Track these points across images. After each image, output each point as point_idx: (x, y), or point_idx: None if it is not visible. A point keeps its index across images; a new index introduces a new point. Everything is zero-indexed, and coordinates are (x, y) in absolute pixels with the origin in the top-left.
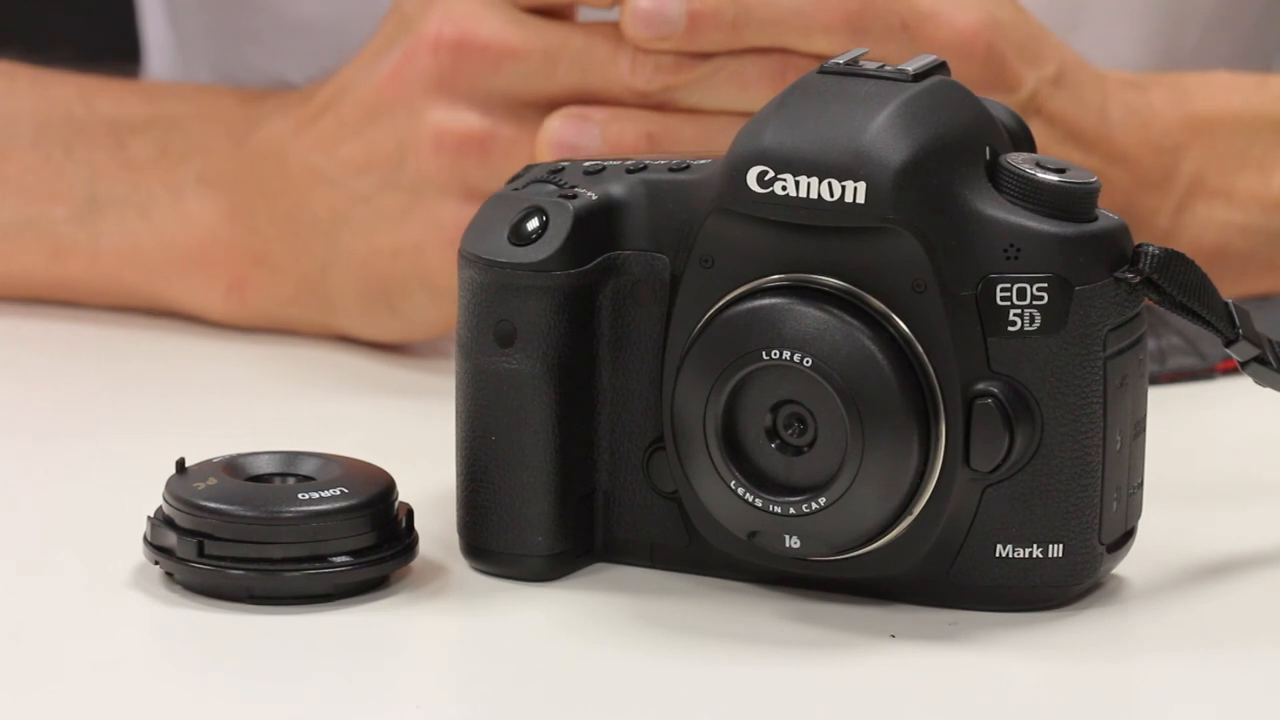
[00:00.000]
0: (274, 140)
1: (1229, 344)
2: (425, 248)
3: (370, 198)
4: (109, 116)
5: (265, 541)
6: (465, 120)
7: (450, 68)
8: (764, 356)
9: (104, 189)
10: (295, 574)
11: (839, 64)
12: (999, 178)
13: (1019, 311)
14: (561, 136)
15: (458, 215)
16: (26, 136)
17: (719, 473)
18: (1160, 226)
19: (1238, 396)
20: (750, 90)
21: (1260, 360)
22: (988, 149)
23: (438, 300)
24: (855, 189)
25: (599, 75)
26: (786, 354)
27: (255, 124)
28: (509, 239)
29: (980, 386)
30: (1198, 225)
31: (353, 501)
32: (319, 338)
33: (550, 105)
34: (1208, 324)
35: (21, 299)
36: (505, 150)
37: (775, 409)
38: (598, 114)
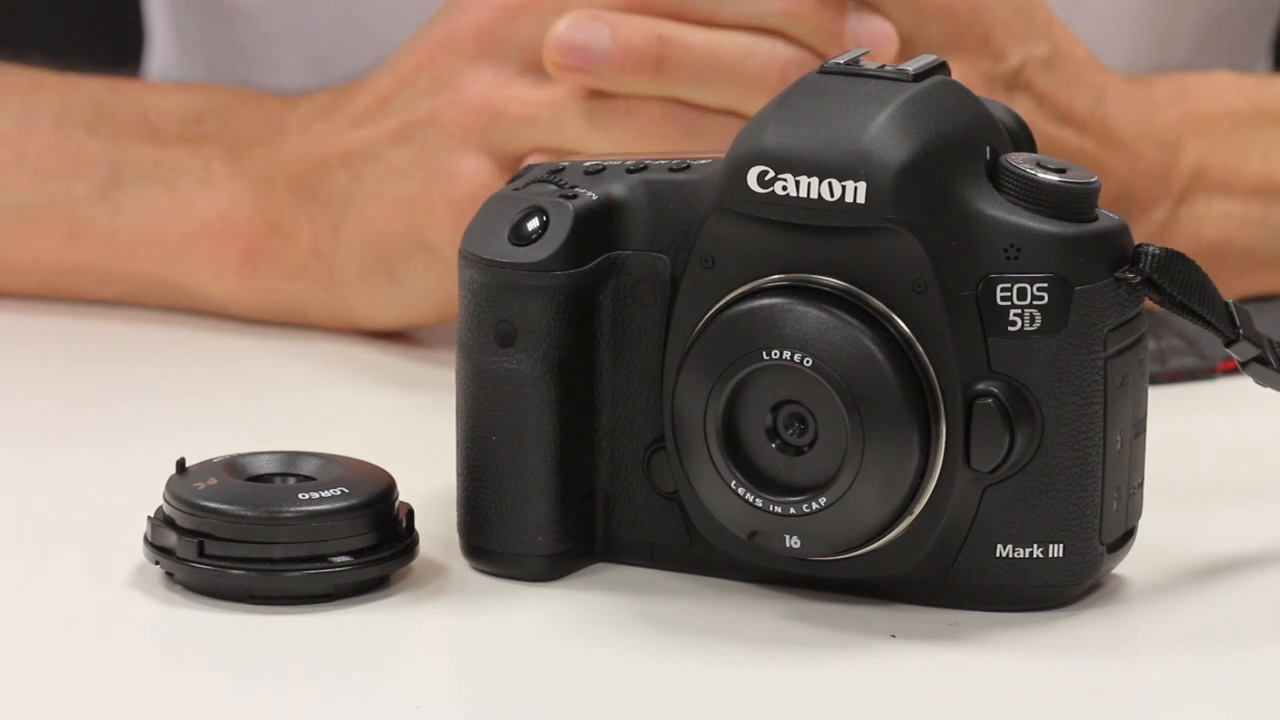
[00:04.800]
0: (313, 136)
1: (1229, 344)
2: (424, 201)
3: (384, 154)
4: (140, 103)
5: (265, 541)
6: (481, 78)
7: (479, 27)
8: (764, 356)
9: (129, 164)
10: (295, 574)
11: (839, 64)
12: (999, 178)
13: (1019, 311)
14: (570, 37)
15: (460, 170)
16: (49, 120)
17: (719, 473)
18: (1159, 219)
19: (1238, 396)
20: (765, 1)
21: (1261, 360)
22: (988, 149)
23: (435, 266)
24: (855, 189)
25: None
26: (787, 354)
27: (303, 123)
28: (509, 239)
29: (980, 386)
30: (1197, 219)
31: (353, 501)
32: (321, 333)
33: None
34: (1208, 324)
35: (33, 290)
36: (515, 110)
37: (775, 409)
38: (609, 15)
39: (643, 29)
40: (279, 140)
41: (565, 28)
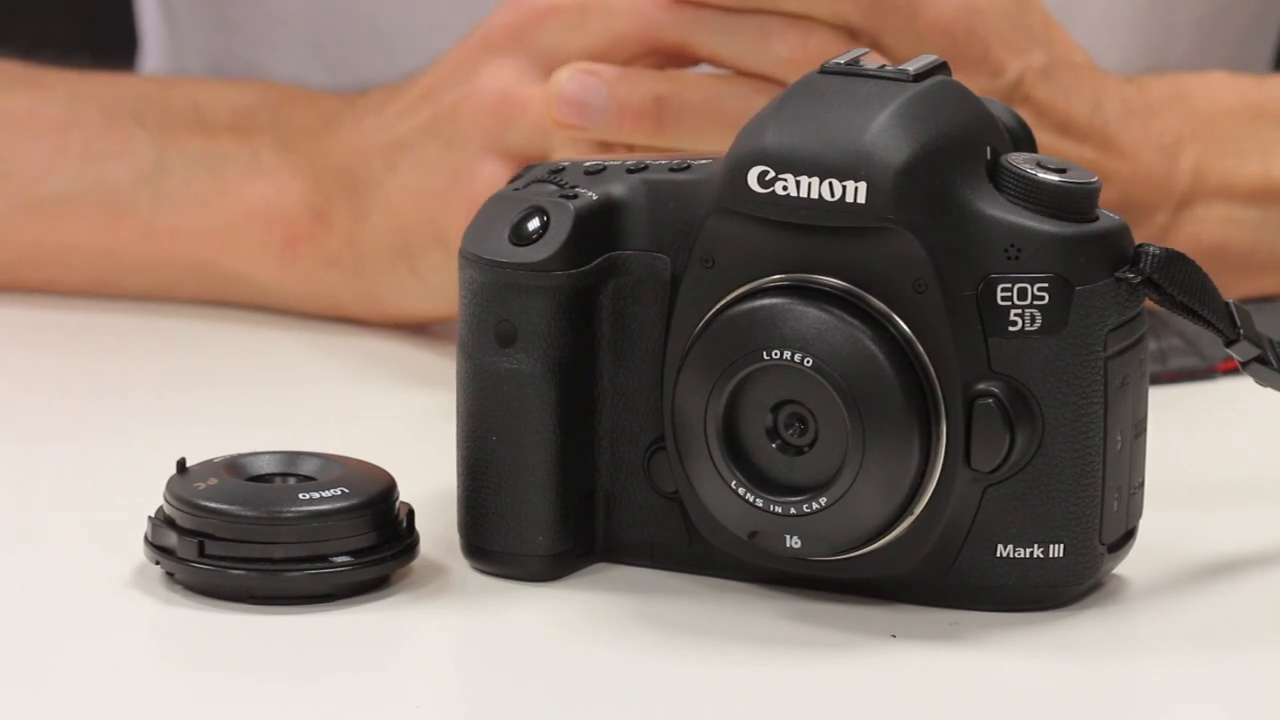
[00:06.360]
0: (363, 129)
1: (1230, 344)
2: (444, 197)
3: (416, 146)
4: (190, 95)
5: (266, 541)
6: (502, 72)
7: (509, 27)
8: (765, 356)
9: (174, 152)
10: (296, 574)
11: (839, 64)
12: (1000, 178)
13: (1020, 311)
14: (567, 91)
15: (479, 171)
16: (95, 108)
17: (720, 473)
18: (1160, 224)
19: (1238, 396)
20: (770, 45)
21: (1261, 360)
22: (988, 149)
23: (451, 263)
24: (856, 189)
25: (624, 19)
26: (787, 354)
27: (357, 117)
28: (510, 239)
29: (981, 386)
30: (1197, 221)
31: (353, 501)
32: (320, 333)
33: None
34: (1208, 324)
35: (65, 278)
36: (533, 113)
37: (776, 409)
38: (607, 72)
39: (639, 88)
40: (331, 133)
41: (563, 82)
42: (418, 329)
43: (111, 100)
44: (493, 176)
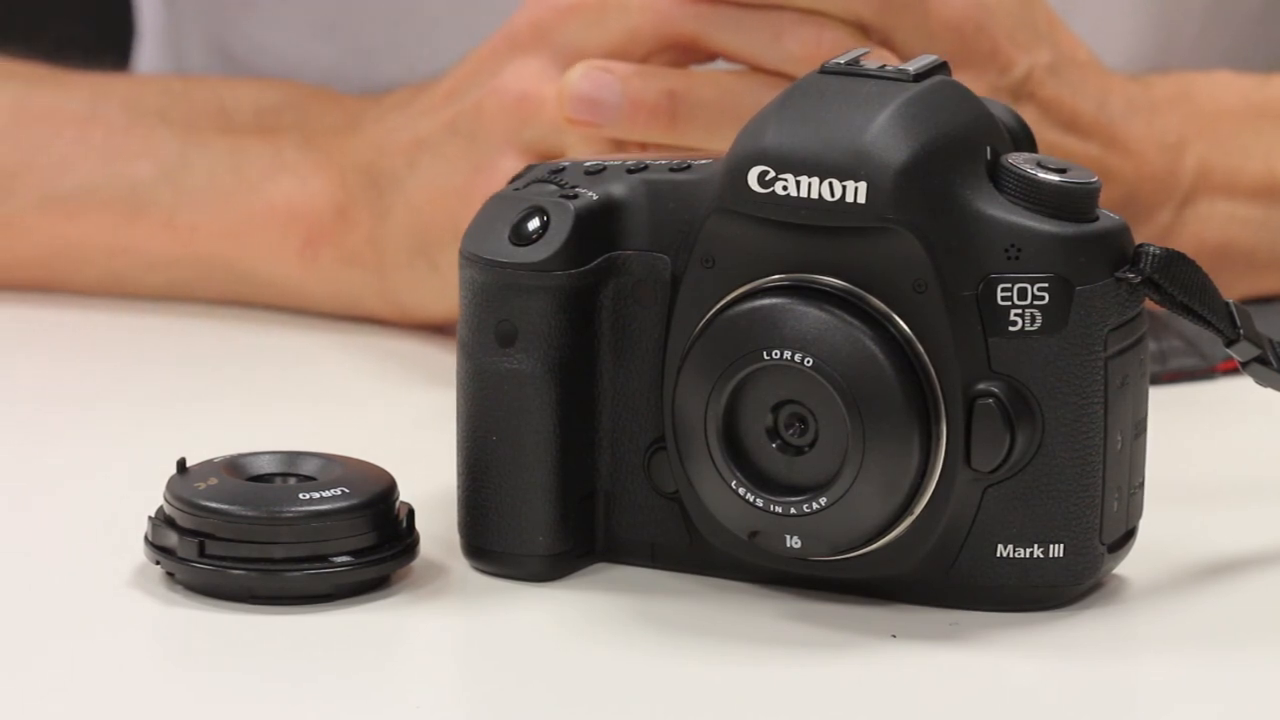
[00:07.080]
0: (386, 126)
1: (1230, 344)
2: (465, 194)
3: (439, 144)
4: (215, 92)
5: (266, 541)
6: (525, 69)
7: (533, 24)
8: (765, 356)
9: (197, 148)
10: (296, 574)
11: (840, 64)
12: (1000, 178)
13: (1020, 311)
14: (580, 89)
15: (499, 167)
16: (118, 105)
17: (720, 473)
18: (1163, 222)
19: (1238, 397)
20: (784, 42)
21: (1261, 360)
22: (989, 149)
23: None
24: (856, 189)
25: (641, 14)
26: (787, 354)
27: (381, 115)
28: (510, 239)
29: (981, 386)
30: (1201, 221)
31: (353, 501)
32: (319, 334)
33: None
34: (1209, 324)
35: (75, 276)
36: (551, 111)
37: (776, 409)
38: (620, 69)
39: (652, 84)
40: (355, 131)
41: (576, 80)
42: (436, 330)
43: (135, 98)
44: (512, 173)
